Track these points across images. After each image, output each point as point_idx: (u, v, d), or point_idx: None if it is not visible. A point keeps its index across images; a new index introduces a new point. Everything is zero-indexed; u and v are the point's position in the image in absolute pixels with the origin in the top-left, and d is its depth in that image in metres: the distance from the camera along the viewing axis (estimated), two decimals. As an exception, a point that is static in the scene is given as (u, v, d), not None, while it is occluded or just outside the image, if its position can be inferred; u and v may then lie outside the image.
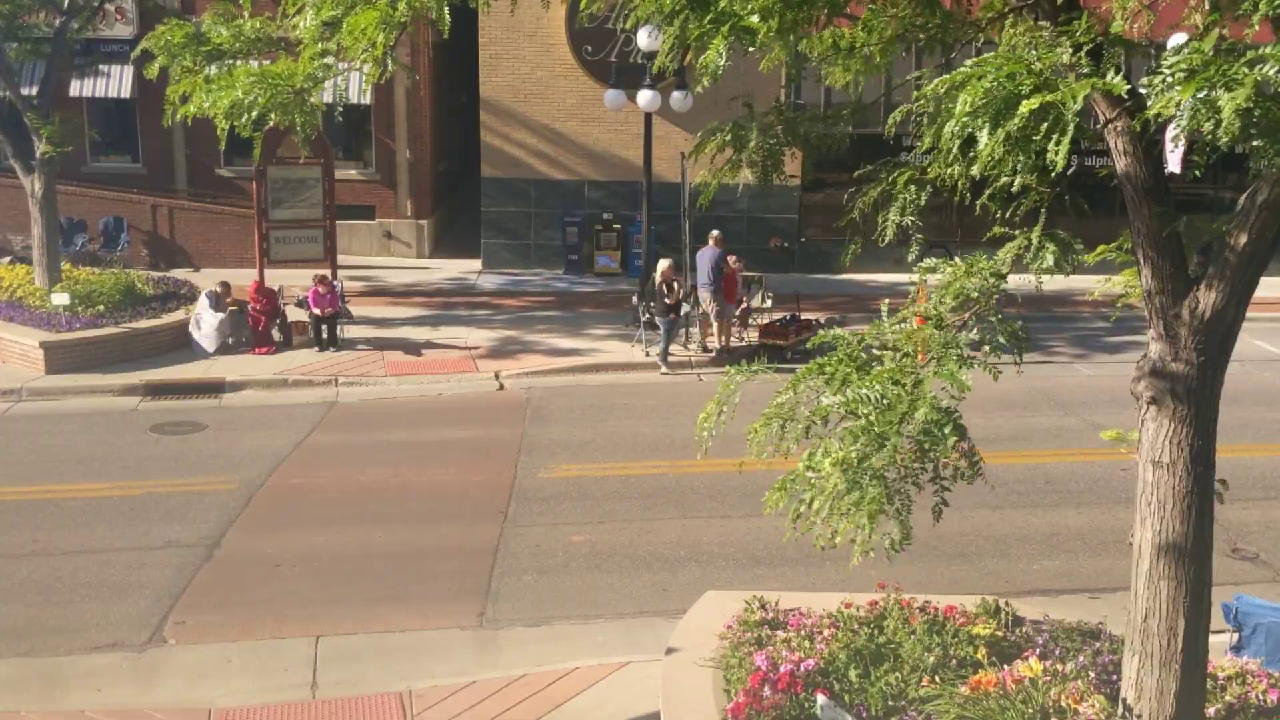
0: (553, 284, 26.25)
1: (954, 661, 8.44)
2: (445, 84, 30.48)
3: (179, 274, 24.46)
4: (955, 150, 5.56)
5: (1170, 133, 4.98)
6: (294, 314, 20.97)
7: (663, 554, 12.64)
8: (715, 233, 20.76)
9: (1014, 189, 5.94)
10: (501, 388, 19.05)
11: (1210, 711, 7.68)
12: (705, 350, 20.49)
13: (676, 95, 21.14)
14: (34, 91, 21.48)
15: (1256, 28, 5.42)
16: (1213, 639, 7.15)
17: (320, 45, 8.50)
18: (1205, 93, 4.74)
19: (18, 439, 16.24)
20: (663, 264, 19.60)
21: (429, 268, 27.64)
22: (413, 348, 20.74)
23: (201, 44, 11.15)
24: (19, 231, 24.43)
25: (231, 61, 10.75)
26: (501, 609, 11.45)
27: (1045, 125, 5.10)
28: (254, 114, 8.75)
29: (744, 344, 20.78)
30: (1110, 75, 5.45)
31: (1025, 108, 5.08)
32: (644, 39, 19.61)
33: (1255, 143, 4.83)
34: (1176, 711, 6.83)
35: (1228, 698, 7.98)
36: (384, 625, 11.11)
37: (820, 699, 7.89)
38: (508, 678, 10.08)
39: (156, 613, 11.28)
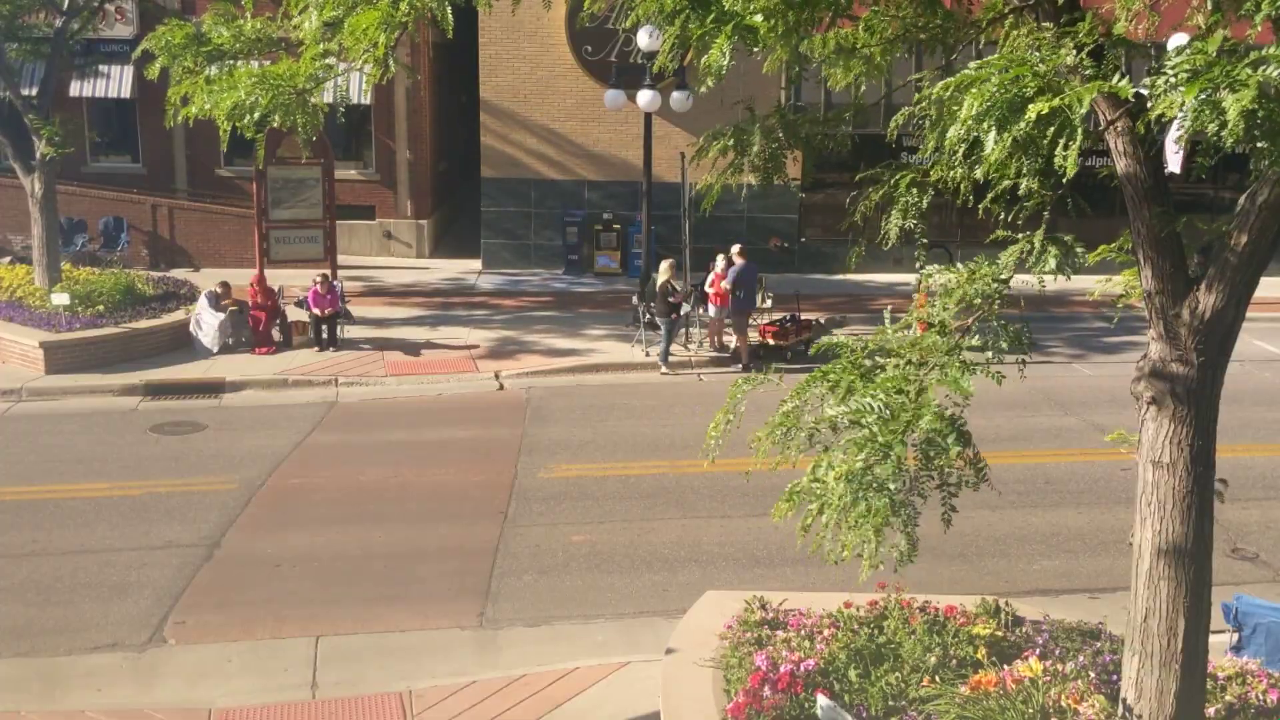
0: (552, 284, 26.25)
1: (954, 661, 8.45)
2: (445, 84, 30.49)
3: (179, 274, 24.46)
4: (959, 153, 5.55)
5: (1173, 134, 4.97)
6: (294, 314, 20.97)
7: (663, 554, 12.64)
8: (739, 245, 20.60)
9: (1020, 192, 5.93)
10: (501, 388, 19.05)
11: (1210, 711, 7.69)
12: (721, 349, 20.54)
13: (676, 95, 21.12)
14: (34, 92, 21.50)
15: (1259, 28, 5.42)
16: (1213, 639, 7.15)
17: (322, 46, 8.48)
18: (1209, 94, 4.73)
19: (18, 439, 16.24)
20: (665, 265, 19.61)
21: (429, 268, 27.65)
22: (413, 348, 20.74)
23: (202, 44, 11.12)
24: (19, 231, 24.44)
25: (232, 62, 10.72)
26: (501, 609, 11.46)
27: (1052, 129, 5.08)
28: (256, 115, 8.73)
29: (756, 343, 20.73)
30: (1115, 77, 5.44)
31: (1033, 111, 5.05)
32: (644, 39, 19.62)
33: (1259, 144, 4.82)
34: (1176, 711, 6.83)
35: (1228, 698, 7.99)
36: (384, 625, 11.11)
37: (820, 699, 7.89)
38: (508, 678, 10.08)
39: (156, 613, 11.29)
